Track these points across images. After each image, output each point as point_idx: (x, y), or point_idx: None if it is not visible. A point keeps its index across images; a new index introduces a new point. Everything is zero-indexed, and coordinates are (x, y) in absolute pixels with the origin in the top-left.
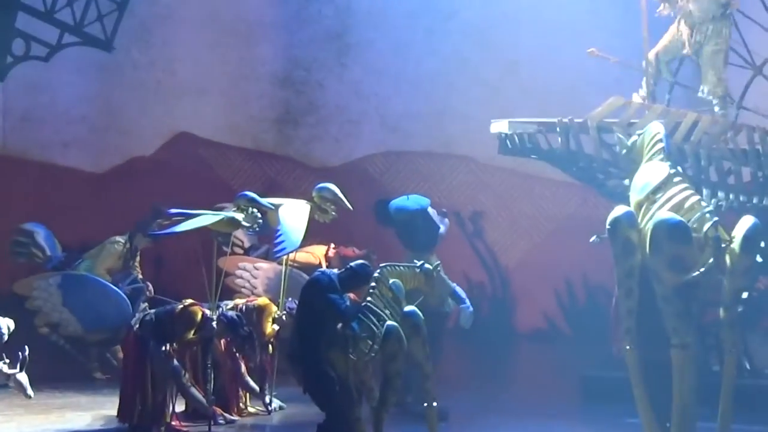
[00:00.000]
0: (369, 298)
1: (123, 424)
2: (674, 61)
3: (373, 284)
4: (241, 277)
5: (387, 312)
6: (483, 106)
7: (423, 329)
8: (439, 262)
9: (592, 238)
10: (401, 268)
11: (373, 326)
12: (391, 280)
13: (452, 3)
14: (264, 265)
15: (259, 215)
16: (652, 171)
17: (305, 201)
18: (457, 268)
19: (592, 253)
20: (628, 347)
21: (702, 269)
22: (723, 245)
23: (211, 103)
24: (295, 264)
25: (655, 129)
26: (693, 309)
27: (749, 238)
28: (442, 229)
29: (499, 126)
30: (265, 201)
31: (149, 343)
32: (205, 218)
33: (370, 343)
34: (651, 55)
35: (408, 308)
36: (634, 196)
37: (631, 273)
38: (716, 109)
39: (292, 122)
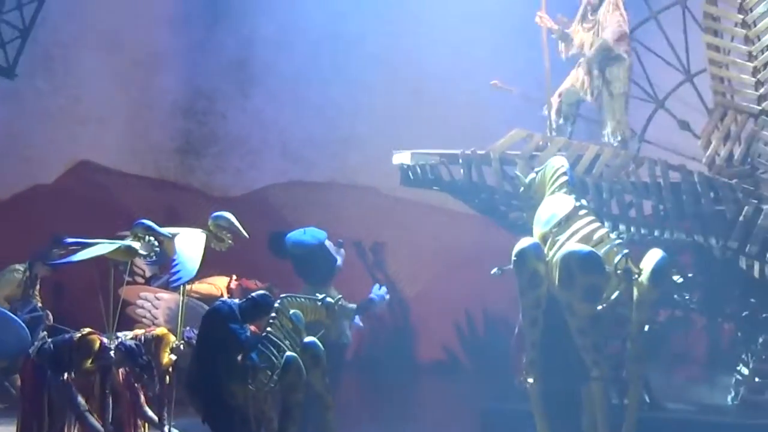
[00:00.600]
0: (269, 329)
1: None
2: (576, 103)
3: (273, 315)
4: (142, 307)
5: (287, 343)
6: (387, 136)
7: (323, 360)
8: (340, 296)
9: (493, 271)
10: (302, 299)
11: (272, 357)
12: (291, 311)
13: (357, 31)
14: (165, 295)
15: (156, 243)
16: (556, 204)
17: (201, 230)
18: (357, 298)
19: (493, 284)
20: (531, 380)
21: (612, 299)
22: (633, 277)
23: (113, 131)
24: (197, 295)
25: (558, 162)
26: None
27: (658, 271)
28: (339, 261)
29: (402, 157)
30: (162, 230)
31: (47, 372)
32: (102, 247)
33: (270, 373)
34: (554, 98)
35: (308, 339)
36: (539, 229)
37: (537, 304)
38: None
39: (193, 152)
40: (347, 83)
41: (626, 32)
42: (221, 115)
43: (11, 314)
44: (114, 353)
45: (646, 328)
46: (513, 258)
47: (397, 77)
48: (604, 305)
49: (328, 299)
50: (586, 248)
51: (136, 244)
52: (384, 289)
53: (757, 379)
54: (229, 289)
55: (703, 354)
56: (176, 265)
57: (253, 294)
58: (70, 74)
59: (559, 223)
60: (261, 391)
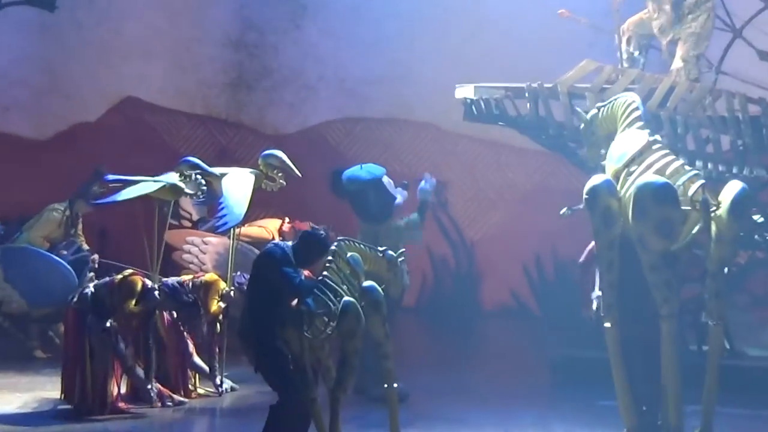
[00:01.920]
0: (325, 272)
1: (66, 404)
2: (648, 34)
3: (329, 258)
4: (189, 252)
5: (344, 287)
6: (446, 71)
7: (383, 306)
8: (404, 249)
9: (563, 211)
10: (362, 245)
11: (329, 302)
12: (349, 254)
13: None
14: (213, 239)
15: (203, 182)
16: (629, 140)
17: (250, 170)
18: (423, 243)
19: (563, 225)
20: (608, 324)
21: (692, 234)
22: (711, 210)
23: (159, 66)
24: (246, 239)
25: (630, 98)
26: (677, 279)
27: (737, 203)
28: (399, 199)
29: (465, 91)
30: (210, 168)
31: (88, 318)
32: (146, 185)
33: (327, 319)
34: (625, 27)
35: (366, 283)
36: (611, 166)
37: (611, 245)
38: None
39: (245, 87)
40: (403, 17)
41: None
42: (273, 48)
43: (56, 258)
44: (158, 294)
45: (726, 269)
46: (584, 196)
47: (457, 9)
48: (682, 240)
49: (391, 252)
50: (660, 179)
51: (182, 183)
52: (427, 174)
53: None
54: (281, 232)
55: None
56: (223, 207)
57: (306, 232)
58: (112, 6)
59: (633, 158)
60: (317, 339)
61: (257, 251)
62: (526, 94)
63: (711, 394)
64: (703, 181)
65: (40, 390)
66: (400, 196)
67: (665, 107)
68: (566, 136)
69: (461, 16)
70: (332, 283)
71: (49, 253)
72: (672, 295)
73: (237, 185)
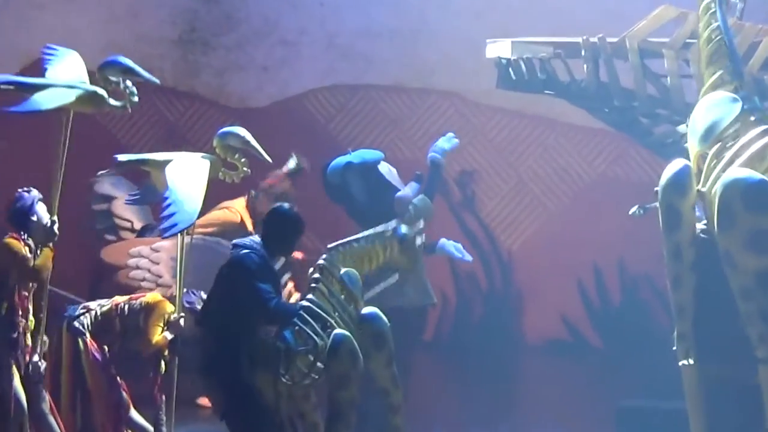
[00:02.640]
0: (310, 296)
1: None
2: None
3: (316, 276)
4: (138, 267)
5: (335, 315)
6: (474, 22)
7: (389, 340)
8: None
9: (633, 209)
10: (356, 244)
11: (314, 336)
12: (342, 270)
13: None
14: (165, 243)
15: (135, 91)
16: (716, 106)
17: (203, 154)
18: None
19: (633, 229)
20: (685, 361)
21: None
22: None
23: (84, 16)
24: (210, 228)
25: (715, 33)
26: None
27: None
28: (408, 191)
29: (499, 48)
30: (145, 74)
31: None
32: (59, 93)
33: (312, 359)
34: None
35: (366, 310)
36: (694, 145)
37: (678, 254)
38: None
39: (200, 44)
40: None
41: None
42: None
43: None
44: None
45: None
46: (657, 190)
47: None
48: None
49: (404, 228)
50: (756, 175)
51: (105, 91)
52: (449, 134)
53: None
54: (250, 209)
55: None
56: (169, 205)
57: (271, 211)
58: None
59: (721, 136)
60: (299, 385)
61: (227, 244)
62: (583, 52)
63: None
64: None
65: None
66: (409, 188)
67: None
68: (637, 109)
69: None
70: (319, 310)
71: None
72: None
73: (187, 175)
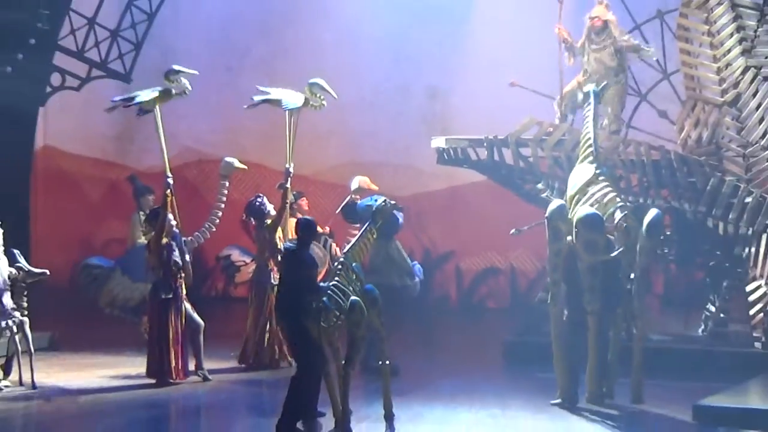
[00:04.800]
0: (336, 278)
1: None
2: (576, 99)
3: (339, 267)
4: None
5: (350, 289)
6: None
7: (379, 302)
8: (394, 202)
9: (512, 231)
10: (356, 244)
11: (340, 301)
12: (354, 264)
13: None
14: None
15: (187, 83)
16: (582, 171)
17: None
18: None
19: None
20: (553, 308)
21: (620, 250)
22: (634, 231)
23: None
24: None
25: (585, 135)
26: (610, 283)
27: (654, 224)
28: (400, 219)
29: (438, 142)
30: (185, 69)
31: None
32: (146, 93)
33: (338, 314)
34: (564, 90)
35: (367, 285)
36: (570, 191)
37: (558, 253)
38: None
39: None
40: None
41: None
42: None
43: None
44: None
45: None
46: (546, 216)
47: (421, 74)
48: (612, 254)
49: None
50: (591, 210)
51: (169, 87)
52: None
53: (722, 315)
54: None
55: (680, 295)
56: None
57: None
58: None
59: (582, 187)
60: (331, 328)
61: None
62: (484, 144)
63: (638, 370)
64: (627, 211)
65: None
66: (399, 217)
67: None
68: (514, 175)
69: (424, 81)
70: (342, 286)
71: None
72: (594, 297)
73: (293, 94)
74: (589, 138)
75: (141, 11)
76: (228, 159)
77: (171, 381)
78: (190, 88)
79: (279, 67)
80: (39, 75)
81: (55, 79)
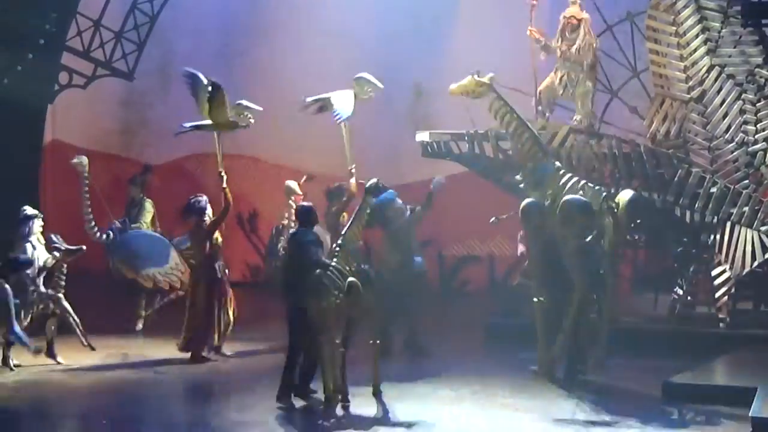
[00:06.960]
0: (335, 260)
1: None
2: (553, 96)
3: (337, 249)
4: None
5: (347, 270)
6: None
7: (373, 283)
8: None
9: (492, 220)
10: (350, 228)
11: (338, 281)
12: (350, 247)
13: None
14: None
15: (249, 116)
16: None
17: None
18: None
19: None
20: (535, 299)
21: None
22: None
23: None
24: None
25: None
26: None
27: (632, 202)
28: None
29: (422, 136)
30: (253, 105)
31: None
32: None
33: (337, 293)
34: (540, 88)
35: (363, 267)
36: (532, 190)
37: (537, 239)
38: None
39: None
40: None
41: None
42: None
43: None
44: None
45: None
46: (520, 211)
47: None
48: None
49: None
50: (582, 198)
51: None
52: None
53: (689, 298)
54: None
55: (650, 279)
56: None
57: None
58: None
59: (549, 183)
60: (330, 306)
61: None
62: (466, 138)
63: (602, 347)
64: (605, 193)
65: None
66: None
67: (564, 146)
68: (494, 167)
69: (405, 81)
70: (339, 267)
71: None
72: (583, 277)
73: (343, 97)
74: (528, 137)
75: (143, 14)
76: (290, 183)
77: (205, 357)
78: (253, 122)
79: (270, 68)
80: (48, 74)
81: (63, 77)
